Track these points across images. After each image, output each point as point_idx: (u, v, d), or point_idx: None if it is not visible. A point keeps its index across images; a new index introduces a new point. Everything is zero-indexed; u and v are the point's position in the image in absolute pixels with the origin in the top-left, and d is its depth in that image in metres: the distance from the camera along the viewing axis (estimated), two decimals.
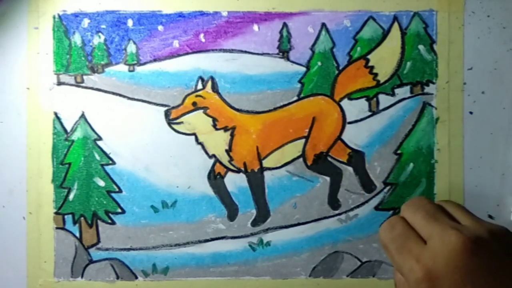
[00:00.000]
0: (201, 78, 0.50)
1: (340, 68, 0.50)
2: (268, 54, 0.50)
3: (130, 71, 0.50)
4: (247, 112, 0.50)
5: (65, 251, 0.50)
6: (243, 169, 0.50)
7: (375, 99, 0.50)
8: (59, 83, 0.50)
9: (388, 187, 0.50)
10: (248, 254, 0.50)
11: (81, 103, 0.50)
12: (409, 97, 0.50)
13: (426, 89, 0.50)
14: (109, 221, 0.50)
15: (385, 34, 0.50)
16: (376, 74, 0.50)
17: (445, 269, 0.29)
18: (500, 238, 0.30)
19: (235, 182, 0.50)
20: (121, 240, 0.50)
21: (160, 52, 0.50)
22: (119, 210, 0.50)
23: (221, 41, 0.50)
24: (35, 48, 0.50)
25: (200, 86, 0.50)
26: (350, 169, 0.50)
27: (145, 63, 0.50)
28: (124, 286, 0.50)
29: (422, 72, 0.50)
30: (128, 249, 0.50)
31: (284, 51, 0.50)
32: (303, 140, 0.50)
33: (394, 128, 0.50)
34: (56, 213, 0.50)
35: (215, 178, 0.50)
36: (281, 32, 0.50)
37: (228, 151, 0.50)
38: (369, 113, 0.50)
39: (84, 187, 0.50)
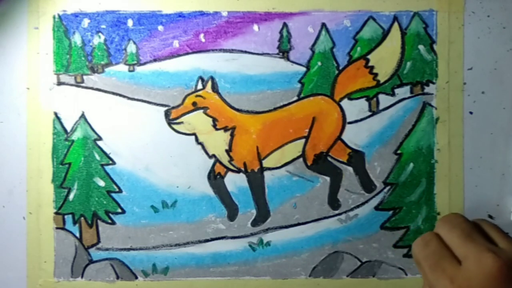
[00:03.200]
0: (201, 78, 0.50)
1: (340, 68, 0.50)
2: (268, 54, 0.50)
3: (130, 71, 0.50)
4: (247, 112, 0.50)
5: (65, 251, 0.50)
6: (243, 169, 0.50)
7: (375, 99, 0.50)
8: (59, 83, 0.50)
9: (388, 187, 0.50)
10: (248, 254, 0.50)
11: (81, 103, 0.50)
12: (409, 97, 0.50)
13: (426, 89, 0.50)
14: (109, 221, 0.50)
15: (385, 34, 0.50)
16: (376, 74, 0.50)
17: None
18: None
19: (235, 182, 0.50)
20: (121, 240, 0.50)
21: (160, 52, 0.50)
22: (119, 210, 0.50)
23: (221, 41, 0.50)
24: (35, 48, 0.50)
25: (200, 86, 0.50)
26: (350, 169, 0.50)
27: (145, 63, 0.50)
28: (124, 286, 0.50)
29: (422, 72, 0.50)
30: (128, 249, 0.50)
31: (284, 51, 0.50)
32: (303, 140, 0.50)
33: (394, 128, 0.50)
34: (56, 213, 0.50)
35: (215, 178, 0.50)
36: (281, 32, 0.50)
37: (228, 151, 0.50)
38: (369, 113, 0.50)
39: (84, 187, 0.50)
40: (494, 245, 0.32)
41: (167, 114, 0.50)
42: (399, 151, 0.50)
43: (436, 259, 0.32)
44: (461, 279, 0.29)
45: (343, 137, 0.50)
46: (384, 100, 0.50)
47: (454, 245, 0.32)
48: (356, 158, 0.50)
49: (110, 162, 0.50)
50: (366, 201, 0.50)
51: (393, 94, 0.50)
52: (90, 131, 0.50)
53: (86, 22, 0.50)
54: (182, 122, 0.50)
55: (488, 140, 0.49)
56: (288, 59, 0.50)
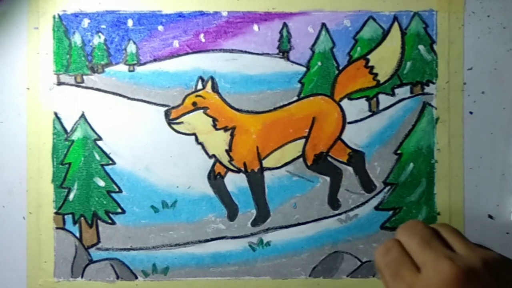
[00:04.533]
0: (201, 78, 0.50)
1: (340, 68, 0.50)
2: (268, 54, 0.50)
3: (130, 71, 0.50)
4: (247, 112, 0.50)
5: (65, 251, 0.50)
6: (243, 169, 0.50)
7: (375, 99, 0.50)
8: (59, 83, 0.50)
9: (388, 187, 0.50)
10: (248, 254, 0.50)
11: (81, 103, 0.50)
12: (409, 97, 0.50)
13: (426, 89, 0.50)
14: (109, 221, 0.50)
15: (385, 34, 0.50)
16: (376, 74, 0.50)
17: None
18: (493, 268, 0.30)
19: (235, 182, 0.50)
20: (121, 240, 0.50)
21: (160, 52, 0.50)
22: (119, 210, 0.50)
23: (221, 41, 0.50)
24: (35, 48, 0.50)
25: (200, 86, 0.50)
26: (350, 169, 0.50)
27: (145, 63, 0.50)
28: (124, 286, 0.50)
29: (422, 72, 0.50)
30: (128, 249, 0.50)
31: (284, 51, 0.50)
32: (303, 140, 0.50)
33: (394, 128, 0.50)
34: (56, 213, 0.50)
35: (215, 178, 0.50)
36: (281, 32, 0.50)
37: (228, 151, 0.50)
38: (369, 113, 0.50)
39: (84, 187, 0.50)
40: (453, 251, 0.32)
41: (167, 114, 0.50)
42: (399, 151, 0.50)
43: (396, 267, 0.32)
44: (420, 287, 0.30)
45: (343, 137, 0.50)
46: (384, 100, 0.50)
47: (413, 252, 0.33)
48: (356, 158, 0.50)
49: (110, 162, 0.50)
50: (366, 201, 0.50)
51: (393, 94, 0.50)
52: (90, 131, 0.50)
53: (86, 22, 0.50)
54: (182, 122, 0.50)
55: (488, 140, 0.49)
56: (288, 59, 0.50)
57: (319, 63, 0.50)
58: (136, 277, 0.50)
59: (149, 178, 0.50)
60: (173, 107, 0.50)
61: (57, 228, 0.50)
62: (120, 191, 0.50)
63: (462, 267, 0.29)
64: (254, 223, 0.50)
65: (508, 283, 0.30)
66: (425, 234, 0.34)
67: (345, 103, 0.50)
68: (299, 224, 0.50)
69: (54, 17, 0.50)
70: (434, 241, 0.33)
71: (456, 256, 0.31)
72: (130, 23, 0.50)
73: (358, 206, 0.50)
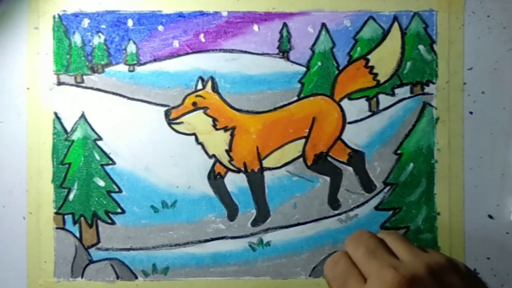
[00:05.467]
0: (201, 78, 0.50)
1: (340, 68, 0.50)
2: (268, 54, 0.50)
3: (130, 71, 0.50)
4: (247, 112, 0.50)
5: (65, 251, 0.50)
6: (243, 169, 0.50)
7: (375, 99, 0.50)
8: (59, 83, 0.50)
9: (388, 187, 0.50)
10: (248, 254, 0.50)
11: (81, 103, 0.50)
12: (409, 97, 0.50)
13: (426, 89, 0.50)
14: (109, 221, 0.50)
15: (385, 34, 0.50)
16: (376, 74, 0.50)
17: None
18: (438, 273, 0.30)
19: (235, 182, 0.50)
20: (121, 240, 0.50)
21: (160, 52, 0.50)
22: (119, 210, 0.50)
23: (221, 41, 0.50)
24: (35, 48, 0.50)
25: (200, 86, 0.50)
26: (350, 169, 0.50)
27: (145, 63, 0.50)
28: (124, 286, 0.50)
29: (422, 72, 0.50)
30: (128, 249, 0.50)
31: (284, 51, 0.50)
32: (303, 140, 0.50)
33: (394, 128, 0.50)
34: (56, 213, 0.50)
35: (215, 178, 0.50)
36: (281, 32, 0.50)
37: (228, 151, 0.50)
38: (369, 113, 0.50)
39: (84, 187, 0.50)
40: (398, 259, 0.32)
41: (167, 114, 0.50)
42: (399, 151, 0.50)
43: (343, 279, 0.32)
44: None
45: (343, 137, 0.50)
46: (384, 100, 0.50)
47: (359, 263, 0.33)
48: (356, 158, 0.50)
49: (110, 162, 0.50)
50: (366, 201, 0.50)
51: (393, 94, 0.50)
52: (90, 131, 0.50)
53: (86, 22, 0.50)
54: (182, 122, 0.50)
55: (488, 140, 0.49)
56: (288, 59, 0.50)
57: (319, 63, 0.50)
58: (136, 277, 0.50)
59: (149, 178, 0.50)
60: (173, 107, 0.50)
61: (57, 228, 0.50)
62: (120, 191, 0.50)
63: (405, 274, 0.29)
64: (254, 223, 0.50)
65: (452, 287, 0.30)
66: (370, 243, 0.34)
67: (345, 103, 0.50)
68: (299, 224, 0.50)
69: (54, 17, 0.50)
70: (378, 250, 0.33)
71: (400, 264, 0.31)
72: (130, 23, 0.50)
73: (358, 206, 0.50)
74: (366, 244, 0.34)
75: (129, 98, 0.50)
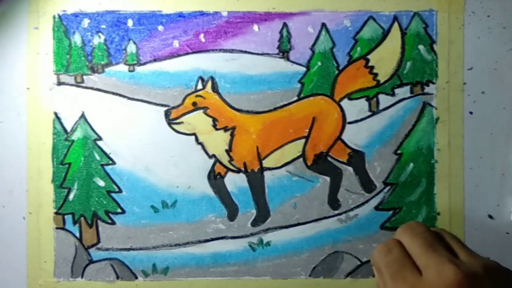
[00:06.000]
0: (201, 78, 0.50)
1: (340, 68, 0.50)
2: (268, 54, 0.50)
3: (130, 71, 0.50)
4: (247, 112, 0.50)
5: (65, 251, 0.50)
6: (243, 169, 0.50)
7: (375, 99, 0.50)
8: (59, 83, 0.50)
9: (388, 187, 0.50)
10: (248, 254, 0.50)
11: (81, 103, 0.50)
12: (409, 97, 0.50)
13: (426, 89, 0.50)
14: (109, 221, 0.50)
15: (385, 34, 0.50)
16: (376, 74, 0.50)
17: None
18: (494, 275, 0.30)
19: (235, 182, 0.50)
20: (121, 240, 0.50)
21: (160, 52, 0.50)
22: (119, 210, 0.50)
23: (221, 41, 0.50)
24: (35, 48, 0.50)
25: (200, 86, 0.50)
26: (350, 169, 0.50)
27: (145, 63, 0.50)
28: (124, 286, 0.50)
29: (422, 72, 0.50)
30: (128, 249, 0.50)
31: (284, 51, 0.50)
32: (303, 140, 0.50)
33: (394, 128, 0.50)
34: (56, 213, 0.50)
35: (215, 178, 0.50)
36: (281, 32, 0.50)
37: (228, 151, 0.50)
38: (369, 113, 0.50)
39: (84, 187, 0.50)
40: (455, 256, 0.32)
41: (167, 114, 0.50)
42: (399, 151, 0.50)
43: (398, 267, 0.32)
44: None
45: (343, 137, 0.50)
46: (384, 100, 0.50)
47: (415, 254, 0.33)
48: (356, 158, 0.50)
49: (110, 162, 0.50)
50: (366, 201, 0.50)
51: (393, 94, 0.50)
52: (90, 131, 0.50)
53: (86, 22, 0.50)
54: (182, 122, 0.50)
55: (488, 140, 0.49)
56: (288, 59, 0.50)
57: (319, 63, 0.50)
58: (136, 277, 0.50)
59: (149, 178, 0.50)
60: (173, 107, 0.50)
61: (57, 228, 0.50)
62: (120, 191, 0.50)
63: (466, 272, 0.29)
64: (254, 223, 0.50)
65: None
66: (428, 236, 0.34)
67: (345, 103, 0.50)
68: (299, 224, 0.50)
69: (54, 17, 0.50)
70: (437, 244, 0.33)
71: (460, 262, 0.31)
72: (130, 23, 0.50)
73: (358, 206, 0.50)
74: (424, 236, 0.33)
75: (129, 98, 0.50)
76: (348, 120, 0.50)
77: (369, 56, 0.50)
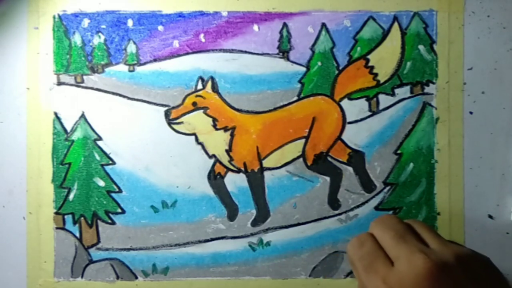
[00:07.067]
0: (201, 78, 0.50)
1: (340, 68, 0.50)
2: (268, 54, 0.50)
3: (130, 71, 0.50)
4: (247, 112, 0.50)
5: (65, 251, 0.50)
6: (243, 169, 0.50)
7: (375, 99, 0.50)
8: (59, 83, 0.50)
9: (388, 187, 0.50)
10: (248, 254, 0.50)
11: (81, 103, 0.50)
12: (409, 97, 0.50)
13: (426, 89, 0.50)
14: (109, 221, 0.50)
15: (385, 34, 0.50)
16: (376, 74, 0.50)
17: None
18: (466, 263, 0.30)
19: (235, 182, 0.50)
20: (121, 240, 0.50)
21: (160, 52, 0.50)
22: (119, 210, 0.50)
23: (221, 41, 0.50)
24: (35, 48, 0.50)
25: (200, 86, 0.50)
26: (350, 169, 0.50)
27: (145, 63, 0.50)
28: (124, 286, 0.50)
29: (422, 72, 0.50)
30: (128, 249, 0.50)
31: (284, 51, 0.50)
32: (303, 140, 0.50)
33: (394, 128, 0.50)
34: (56, 213, 0.50)
35: (215, 178, 0.50)
36: (281, 32, 0.50)
37: (228, 151, 0.50)
38: (369, 113, 0.50)
39: (84, 187, 0.50)
40: (426, 246, 0.32)
41: (167, 114, 0.50)
42: (399, 151, 0.50)
43: (370, 260, 0.32)
44: (393, 280, 0.30)
45: (343, 137, 0.50)
46: (384, 100, 0.50)
47: (387, 246, 0.33)
48: (356, 158, 0.50)
49: (110, 162, 0.50)
50: (366, 201, 0.50)
51: (393, 94, 0.50)
52: (90, 131, 0.50)
53: (86, 22, 0.50)
54: (182, 122, 0.50)
55: (488, 140, 0.49)
56: (288, 59, 0.50)
57: (319, 63, 0.50)
58: (136, 277, 0.50)
59: (149, 178, 0.50)
60: (173, 107, 0.50)
61: (57, 228, 0.50)
62: (120, 191, 0.50)
63: (436, 261, 0.29)
64: (254, 223, 0.50)
65: (479, 279, 0.30)
66: (399, 228, 0.34)
67: (345, 103, 0.50)
68: (299, 224, 0.50)
69: (54, 17, 0.50)
70: (408, 235, 0.33)
71: (430, 251, 0.31)
72: (130, 23, 0.50)
73: (358, 206, 0.50)
74: (395, 228, 0.34)
75: (129, 98, 0.50)
76: (348, 120, 0.50)
77: (369, 56, 0.50)
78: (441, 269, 0.29)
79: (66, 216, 0.50)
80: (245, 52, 0.50)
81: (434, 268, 0.29)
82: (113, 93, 0.50)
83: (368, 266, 0.32)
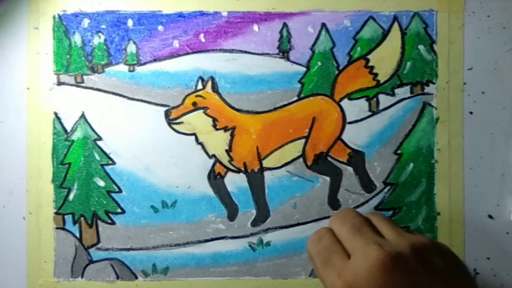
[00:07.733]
0: (201, 78, 0.50)
1: (340, 68, 0.50)
2: (268, 54, 0.50)
3: (130, 71, 0.50)
4: (247, 112, 0.50)
5: (65, 251, 0.50)
6: (243, 169, 0.50)
7: (375, 99, 0.50)
8: (59, 83, 0.50)
9: (388, 187, 0.50)
10: (248, 254, 0.50)
11: (81, 103, 0.50)
12: (409, 97, 0.50)
13: (426, 89, 0.50)
14: (109, 221, 0.50)
15: (385, 34, 0.50)
16: (376, 74, 0.50)
17: (365, 285, 0.29)
18: (421, 253, 0.30)
19: (235, 182, 0.50)
20: (121, 240, 0.50)
21: (160, 52, 0.50)
22: (119, 210, 0.50)
23: (221, 41, 0.50)
24: (35, 48, 0.50)
25: (200, 86, 0.50)
26: (350, 169, 0.50)
27: (145, 63, 0.50)
28: (124, 286, 0.50)
29: (422, 72, 0.50)
30: (128, 249, 0.50)
31: (284, 51, 0.50)
32: (303, 140, 0.50)
33: (394, 128, 0.50)
34: (56, 213, 0.50)
35: (215, 178, 0.50)
36: (281, 32, 0.50)
37: (228, 151, 0.50)
38: (369, 113, 0.50)
39: (84, 187, 0.50)
40: (383, 237, 0.32)
41: (167, 114, 0.50)
42: (399, 151, 0.50)
43: (327, 254, 0.32)
44: (348, 273, 0.30)
45: (343, 137, 0.50)
46: (384, 100, 0.50)
47: (344, 239, 0.33)
48: (356, 158, 0.50)
49: (110, 162, 0.50)
50: (366, 201, 0.50)
51: (393, 94, 0.50)
52: (90, 131, 0.50)
53: (86, 22, 0.50)
54: (182, 122, 0.50)
55: (488, 140, 0.49)
56: (288, 59, 0.50)
57: (319, 63, 0.50)
58: (136, 277, 0.50)
59: (149, 178, 0.50)
60: (173, 107, 0.50)
61: (57, 228, 0.50)
62: (120, 191, 0.50)
63: (390, 252, 0.29)
64: (254, 223, 0.50)
65: (435, 267, 0.30)
66: (356, 221, 0.34)
67: (345, 103, 0.50)
68: (299, 224, 0.50)
69: (54, 17, 0.50)
70: (364, 228, 0.33)
71: (385, 242, 0.31)
72: (130, 23, 0.50)
73: (358, 206, 0.50)
74: (352, 222, 0.34)
75: (129, 98, 0.50)
76: (348, 120, 0.50)
77: (369, 56, 0.50)
78: (395, 259, 0.29)
79: (66, 216, 0.50)
80: (245, 52, 0.50)
81: (388, 258, 0.29)
82: (113, 93, 0.50)
83: (325, 260, 0.32)
